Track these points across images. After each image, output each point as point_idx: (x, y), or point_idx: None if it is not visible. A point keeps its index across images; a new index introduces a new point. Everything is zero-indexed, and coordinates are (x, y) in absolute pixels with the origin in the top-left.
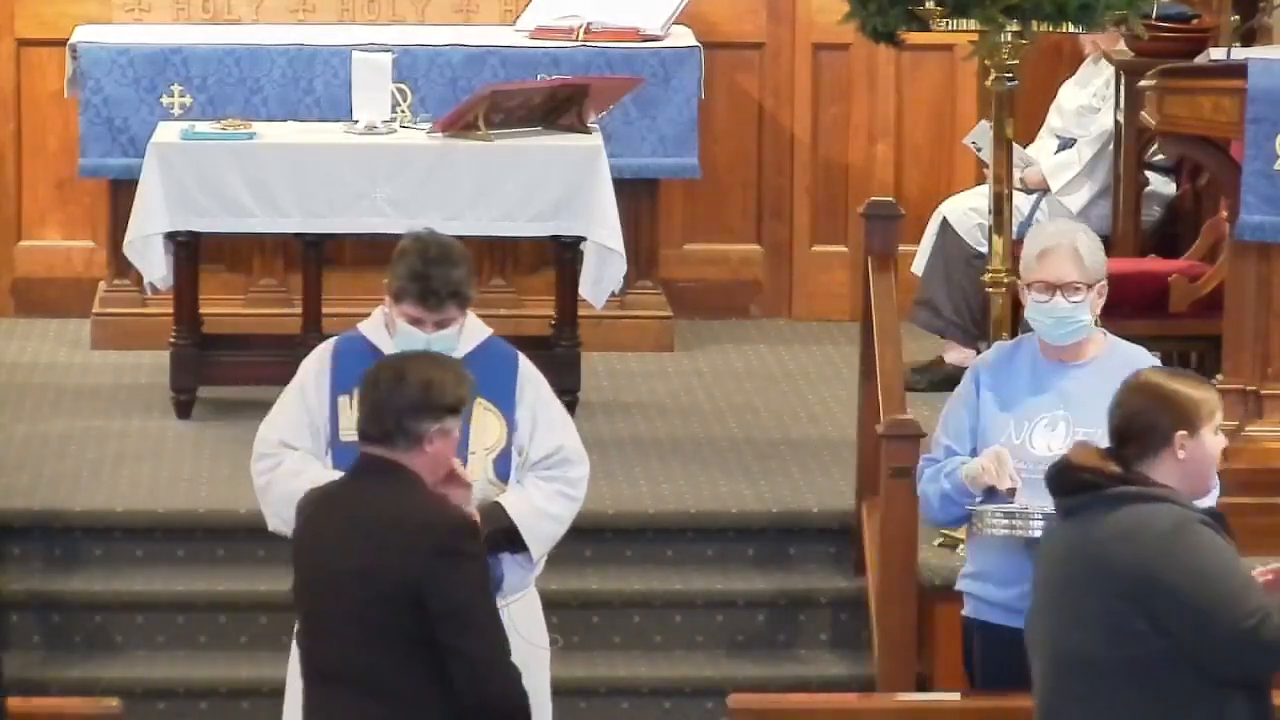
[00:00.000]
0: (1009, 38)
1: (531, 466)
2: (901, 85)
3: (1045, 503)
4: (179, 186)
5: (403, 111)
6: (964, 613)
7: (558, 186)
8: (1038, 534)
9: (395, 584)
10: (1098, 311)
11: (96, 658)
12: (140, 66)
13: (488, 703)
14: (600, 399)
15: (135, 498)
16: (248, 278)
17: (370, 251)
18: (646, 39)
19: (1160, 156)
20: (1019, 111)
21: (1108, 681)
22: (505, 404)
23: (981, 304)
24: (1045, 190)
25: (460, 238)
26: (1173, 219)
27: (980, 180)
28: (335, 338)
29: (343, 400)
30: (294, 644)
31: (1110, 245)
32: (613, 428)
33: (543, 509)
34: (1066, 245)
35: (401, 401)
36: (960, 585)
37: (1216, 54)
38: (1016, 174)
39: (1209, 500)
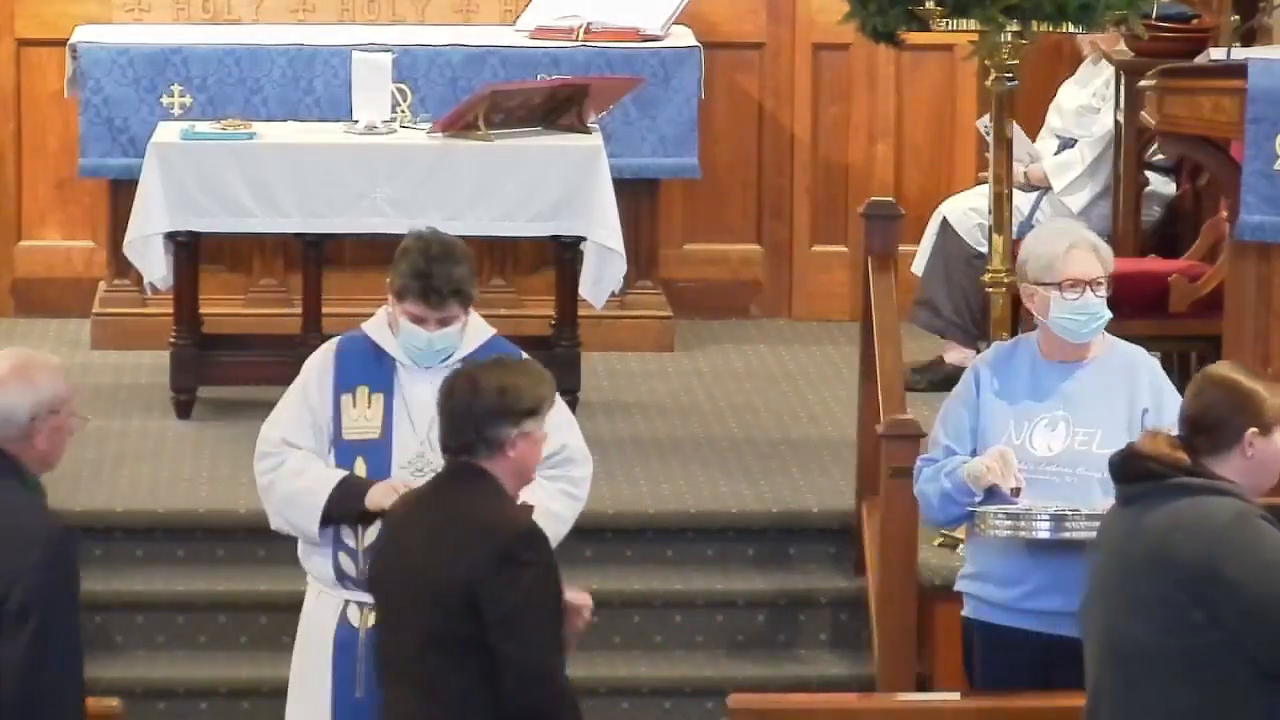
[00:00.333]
0: (1009, 38)
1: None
2: (901, 85)
3: (1048, 503)
4: (179, 186)
5: (403, 111)
6: (963, 613)
7: (558, 186)
8: (1042, 535)
9: (453, 586)
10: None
11: (96, 658)
12: (140, 66)
13: (533, 711)
14: (600, 399)
15: (135, 498)
16: (248, 278)
17: (370, 251)
18: (646, 39)
19: (1160, 156)
20: (1019, 111)
21: (1160, 670)
22: None
23: (981, 304)
24: (1046, 188)
25: (460, 238)
26: (1173, 219)
27: (980, 180)
28: (338, 337)
29: (345, 399)
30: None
31: (1110, 245)
32: (613, 428)
33: (547, 508)
34: (1086, 242)
35: (478, 410)
36: (960, 586)
37: (1216, 54)
38: (1020, 167)
39: None
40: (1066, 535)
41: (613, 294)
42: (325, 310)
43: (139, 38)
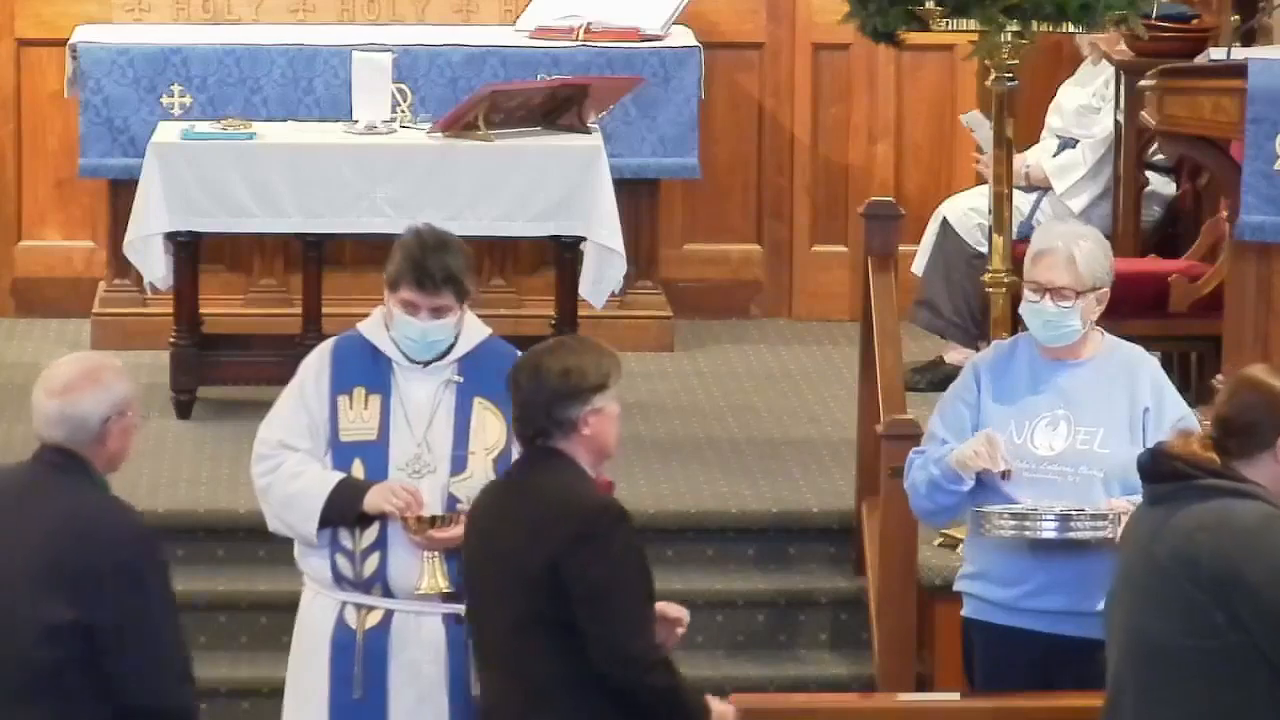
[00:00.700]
0: (1009, 38)
1: None
2: (901, 85)
3: (1050, 502)
4: (179, 186)
5: (403, 111)
6: (963, 613)
7: (558, 186)
8: (1047, 535)
9: (538, 568)
10: (1093, 317)
11: None
12: (140, 66)
13: (633, 687)
14: None
15: (135, 498)
16: (248, 278)
17: (370, 251)
18: (646, 39)
19: (1160, 156)
20: (1019, 111)
21: (1180, 670)
22: (505, 403)
23: (981, 304)
24: (1046, 189)
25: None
26: (1173, 219)
27: (980, 180)
28: (334, 338)
29: (342, 400)
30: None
31: (1110, 245)
32: None
33: None
34: (1063, 250)
35: (545, 395)
36: (959, 586)
37: (1216, 54)
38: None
39: None
40: (1072, 535)
41: (613, 294)
42: (325, 310)
43: (139, 38)
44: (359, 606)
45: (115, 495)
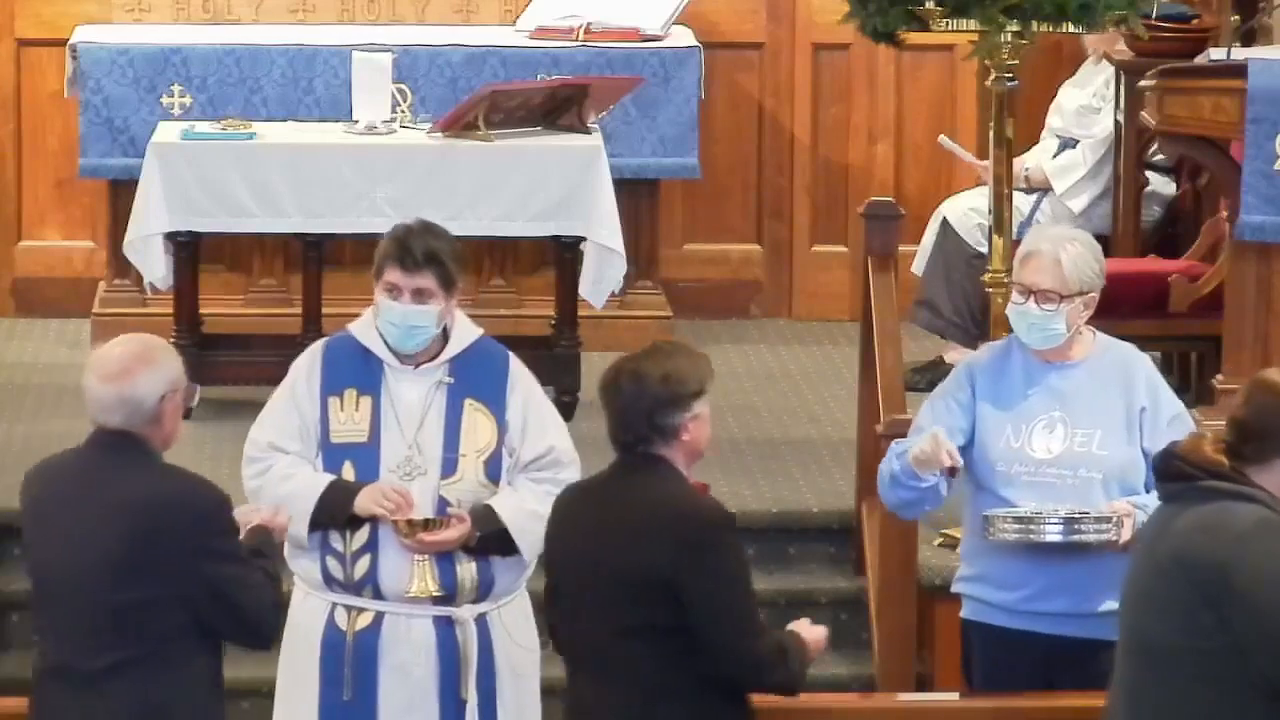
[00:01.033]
0: (1009, 38)
1: (523, 468)
2: (901, 85)
3: (1056, 505)
4: (179, 186)
5: (403, 111)
6: (962, 615)
7: (558, 186)
8: (1052, 538)
9: (650, 576)
10: (1080, 321)
11: None
12: (140, 66)
13: (757, 687)
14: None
15: None
16: (248, 278)
17: (370, 251)
18: (646, 39)
19: (1160, 156)
20: (1019, 111)
21: (1176, 670)
22: (496, 404)
23: (981, 304)
24: (1046, 190)
25: (460, 238)
26: (1173, 219)
27: (980, 181)
28: (325, 339)
29: (333, 401)
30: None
31: (1110, 245)
32: None
33: (534, 510)
34: (1049, 253)
35: (648, 401)
36: (957, 588)
37: (1216, 54)
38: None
39: None
40: (1076, 539)
41: (613, 294)
42: (325, 310)
43: (139, 38)
44: (349, 608)
45: (186, 470)
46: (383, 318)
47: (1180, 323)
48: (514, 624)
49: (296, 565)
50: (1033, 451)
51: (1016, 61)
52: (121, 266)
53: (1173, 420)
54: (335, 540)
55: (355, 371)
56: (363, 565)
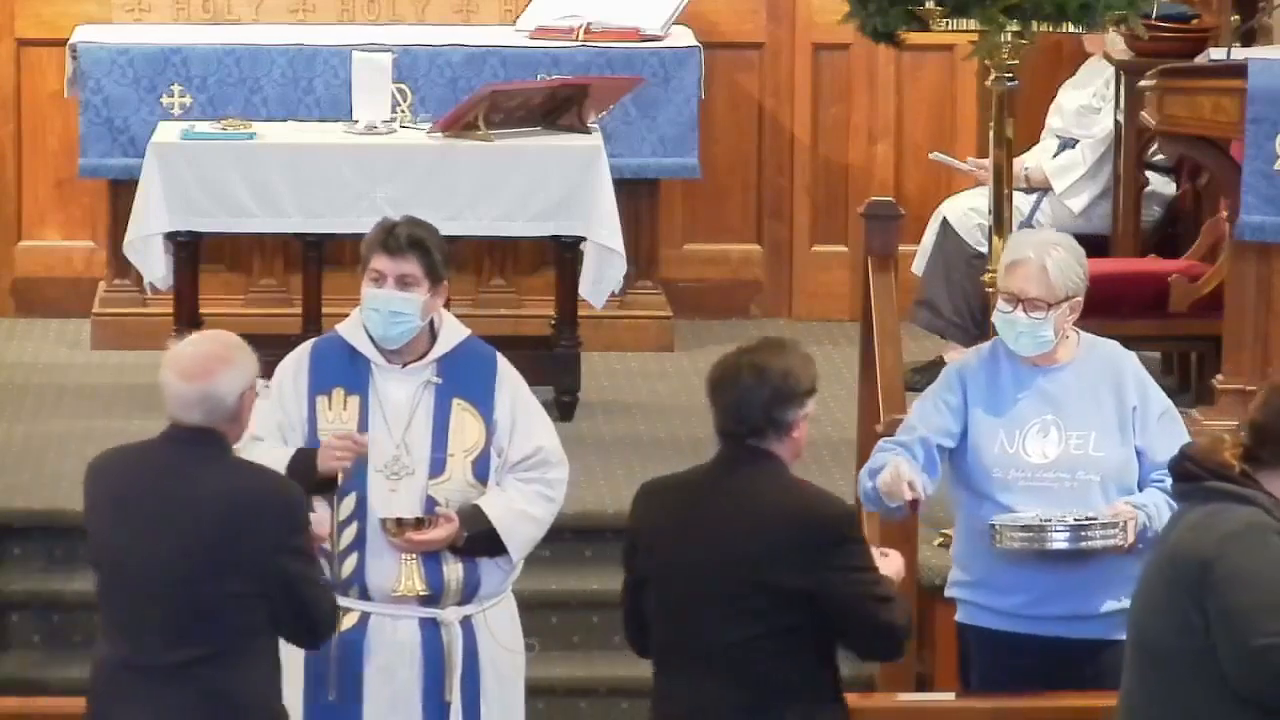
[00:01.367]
0: (1009, 38)
1: (511, 468)
2: (901, 85)
3: (1056, 509)
4: (179, 186)
5: (403, 111)
6: (958, 619)
7: (558, 186)
8: (1060, 545)
9: (781, 576)
10: (1067, 325)
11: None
12: (140, 66)
13: (901, 651)
14: (600, 399)
15: None
16: (248, 278)
17: None
18: (646, 39)
19: (1160, 156)
20: (1019, 111)
21: (1173, 670)
22: (484, 404)
23: (981, 304)
24: (1046, 189)
25: (460, 238)
26: (1173, 219)
27: (980, 181)
28: (312, 340)
29: (320, 400)
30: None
31: (1110, 245)
32: (613, 428)
33: (522, 511)
34: (1035, 261)
35: (766, 394)
36: (951, 593)
37: (1216, 54)
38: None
39: None
40: (1085, 545)
41: (613, 294)
42: (325, 310)
43: (139, 38)
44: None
45: (263, 466)
46: (366, 305)
47: (1180, 323)
48: (499, 626)
49: None
50: (1028, 456)
51: (1016, 61)
52: (121, 266)
53: (1162, 416)
54: (324, 541)
55: (343, 371)
56: (350, 564)
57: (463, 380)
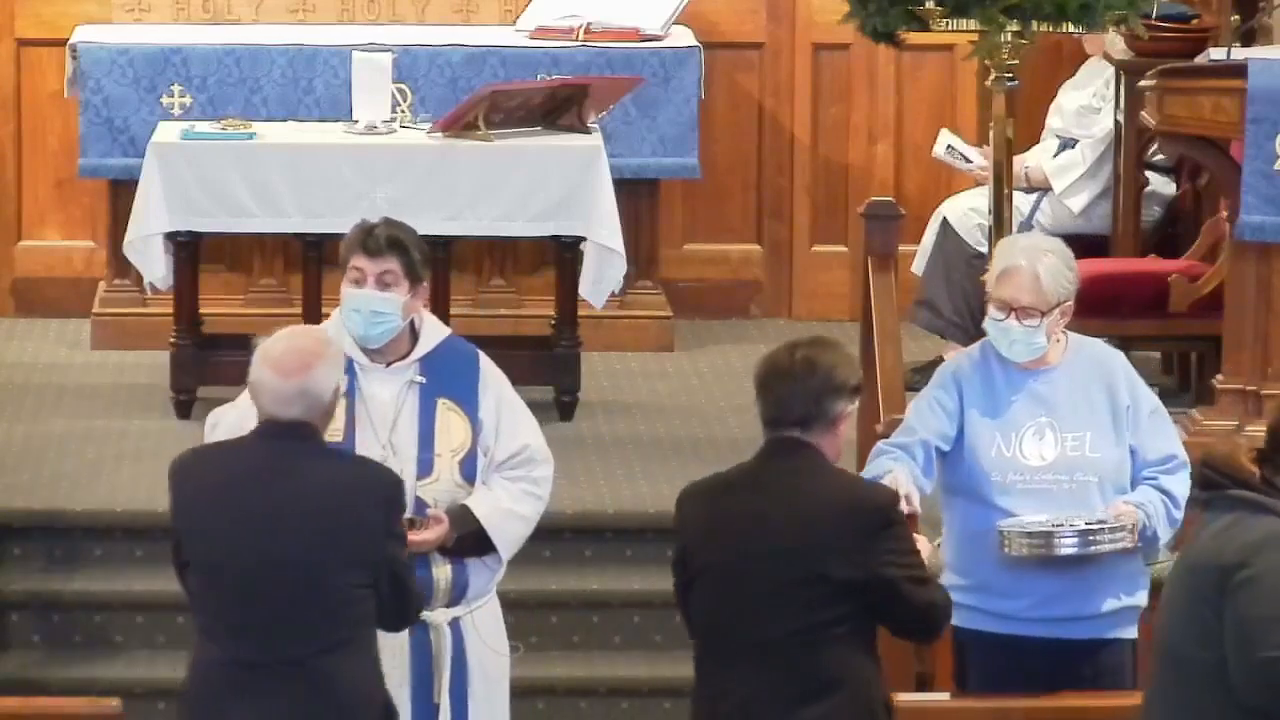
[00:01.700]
0: (1009, 38)
1: (497, 467)
2: (901, 85)
3: (1060, 513)
4: (179, 186)
5: (403, 111)
6: (955, 624)
7: (558, 186)
8: (1069, 551)
9: (831, 567)
10: (1058, 330)
11: (96, 658)
12: (140, 66)
13: (939, 631)
14: (600, 399)
15: (135, 498)
16: (248, 278)
17: None
18: (646, 39)
19: (1160, 156)
20: (1019, 112)
21: (1193, 678)
22: (468, 404)
23: (981, 304)
24: (1046, 189)
25: (460, 238)
26: (1173, 219)
27: (980, 180)
28: None
29: None
30: None
31: (1110, 245)
32: (613, 428)
33: (510, 510)
34: (1027, 269)
35: (817, 385)
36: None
37: (1216, 54)
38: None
39: None
40: (1093, 549)
41: (613, 294)
42: (325, 310)
43: (139, 38)
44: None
45: (360, 455)
46: (347, 306)
47: (1180, 323)
48: (486, 628)
49: None
50: (1026, 459)
51: (1016, 61)
52: (121, 266)
53: (1152, 413)
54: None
55: None
56: None
57: (446, 380)
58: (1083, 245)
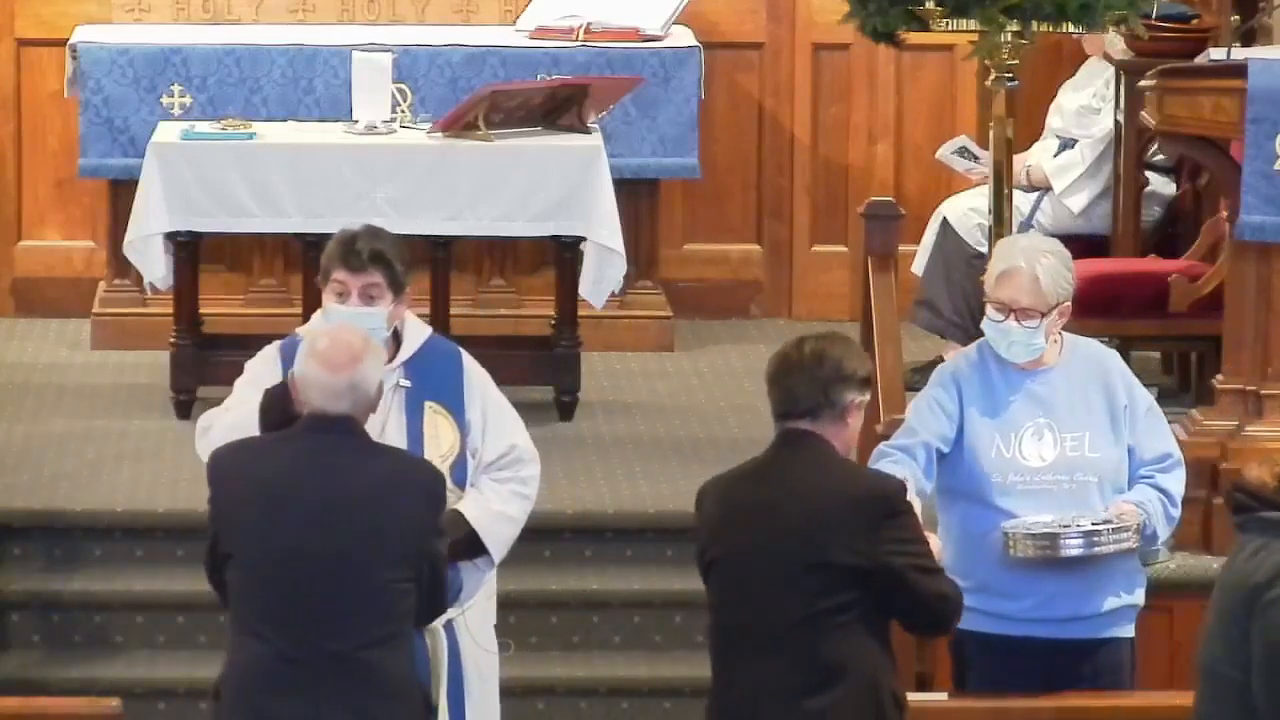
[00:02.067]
0: (1009, 38)
1: (485, 468)
2: (901, 85)
3: (1055, 514)
4: (179, 186)
5: (403, 111)
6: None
7: (558, 186)
8: (1074, 552)
9: (840, 556)
10: (1057, 330)
11: (96, 658)
12: (140, 66)
13: (952, 622)
14: (600, 399)
15: (135, 498)
16: (248, 278)
17: None
18: (646, 39)
19: (1160, 156)
20: (1019, 112)
21: (1229, 698)
22: (455, 405)
23: (981, 304)
24: (1047, 189)
25: (460, 238)
26: (1173, 219)
27: (980, 180)
28: (276, 343)
29: None
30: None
31: (1110, 245)
32: (613, 428)
33: (500, 512)
34: (1026, 271)
35: (824, 375)
36: None
37: (1216, 54)
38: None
39: None
40: (1098, 550)
41: (613, 294)
42: None
43: (139, 38)
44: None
45: (399, 449)
46: (331, 321)
47: (1180, 323)
48: (478, 628)
49: None
50: (1025, 460)
51: (1016, 61)
52: (121, 266)
53: (1148, 412)
54: None
55: None
56: None
57: (431, 382)
58: (1083, 245)
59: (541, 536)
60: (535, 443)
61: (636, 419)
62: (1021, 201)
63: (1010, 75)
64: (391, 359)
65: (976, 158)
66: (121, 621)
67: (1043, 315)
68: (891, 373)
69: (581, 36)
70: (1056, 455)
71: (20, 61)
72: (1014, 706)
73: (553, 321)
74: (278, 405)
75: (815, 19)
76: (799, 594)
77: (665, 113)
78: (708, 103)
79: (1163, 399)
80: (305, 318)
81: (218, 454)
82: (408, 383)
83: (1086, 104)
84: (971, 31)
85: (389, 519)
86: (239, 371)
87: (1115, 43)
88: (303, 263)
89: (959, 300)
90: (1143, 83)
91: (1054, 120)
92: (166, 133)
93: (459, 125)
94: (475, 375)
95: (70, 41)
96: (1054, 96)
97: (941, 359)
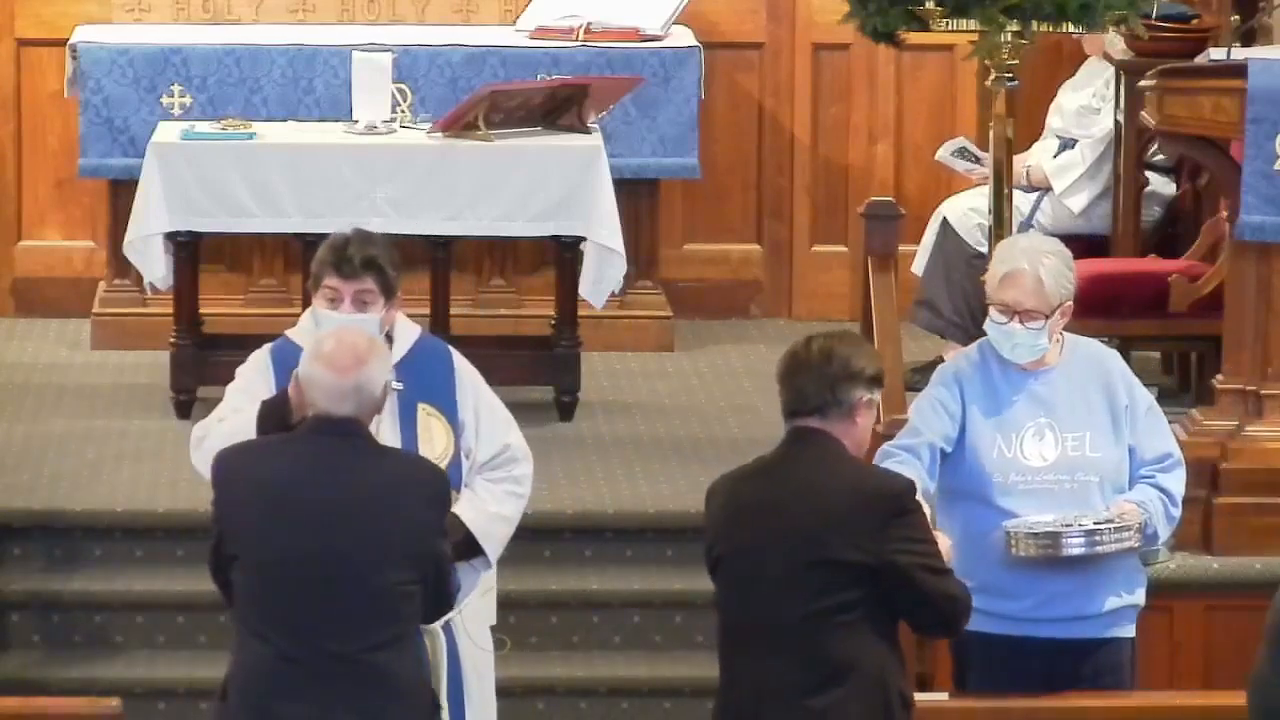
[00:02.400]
0: (1009, 38)
1: (479, 468)
2: (901, 85)
3: (1057, 514)
4: (179, 186)
5: (403, 111)
6: None
7: (558, 186)
8: (1075, 552)
9: (848, 552)
10: (1059, 330)
11: (96, 658)
12: (140, 66)
13: (961, 622)
14: (600, 399)
15: (135, 498)
16: (248, 278)
17: None
18: (646, 39)
19: (1160, 156)
20: (1019, 112)
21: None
22: (447, 405)
23: (981, 304)
24: (1047, 189)
25: (460, 238)
26: (1173, 219)
27: (980, 180)
28: (267, 346)
29: None
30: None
31: (1110, 245)
32: (613, 428)
33: (495, 513)
34: (1029, 272)
35: (832, 373)
36: None
37: (1216, 54)
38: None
39: None
40: (1099, 550)
41: (613, 294)
42: None
43: (139, 38)
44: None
45: (406, 451)
46: (323, 328)
47: (1180, 323)
48: (474, 627)
49: None
50: (1026, 460)
51: (1016, 61)
52: (121, 266)
53: (1148, 412)
54: None
55: None
56: None
57: (424, 384)
58: (1083, 245)
59: (541, 536)
60: (535, 443)
61: (636, 419)
62: (1021, 201)
63: (1010, 75)
64: None
65: (976, 158)
66: (121, 621)
67: (1046, 316)
68: (891, 373)
69: (581, 36)
70: (1058, 455)
71: (20, 61)
72: (1014, 706)
73: (553, 321)
74: (275, 416)
75: (815, 19)
76: (803, 591)
77: (665, 113)
78: (708, 103)
79: (1163, 399)
80: None
81: (222, 455)
82: (400, 385)
83: (1086, 104)
84: (971, 31)
85: (394, 521)
86: None
87: (1115, 43)
88: (302, 263)
89: (959, 300)
90: (1143, 83)
91: (1054, 120)
92: (166, 133)
93: (459, 125)
94: (466, 375)
95: (70, 41)
96: (1054, 96)
97: (941, 359)
